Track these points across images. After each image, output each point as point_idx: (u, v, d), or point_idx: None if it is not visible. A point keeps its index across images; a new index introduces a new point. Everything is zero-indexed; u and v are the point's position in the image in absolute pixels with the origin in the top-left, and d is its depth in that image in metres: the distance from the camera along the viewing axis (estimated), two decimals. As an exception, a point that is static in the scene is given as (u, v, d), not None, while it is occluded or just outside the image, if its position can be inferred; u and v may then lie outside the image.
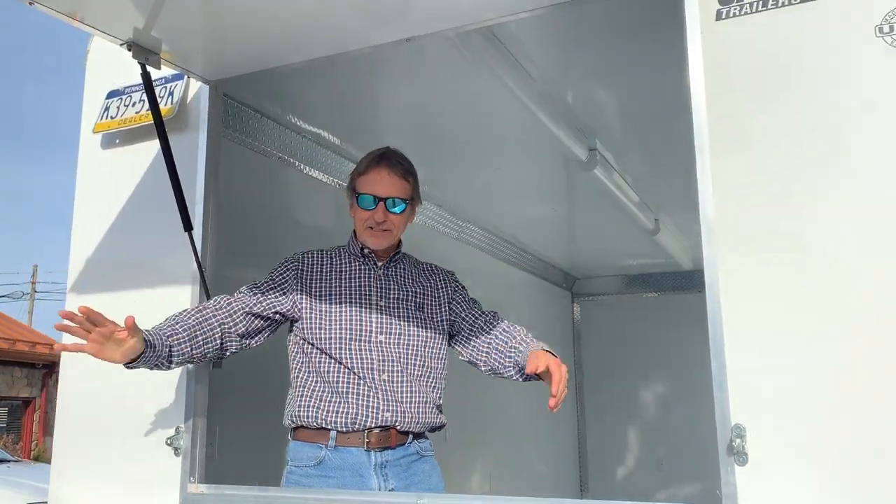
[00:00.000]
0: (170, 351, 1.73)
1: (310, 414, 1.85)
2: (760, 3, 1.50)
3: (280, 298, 1.89)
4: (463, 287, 2.08)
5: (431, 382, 1.94)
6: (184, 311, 1.82)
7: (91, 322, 1.61)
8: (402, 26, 1.88)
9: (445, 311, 2.00)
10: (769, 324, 1.40)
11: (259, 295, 1.88)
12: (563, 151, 2.95)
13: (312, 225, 2.77)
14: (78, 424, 2.12)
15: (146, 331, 1.70)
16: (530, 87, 2.45)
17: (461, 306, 2.01)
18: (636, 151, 3.25)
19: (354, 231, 1.99)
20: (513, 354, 1.89)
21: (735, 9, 1.52)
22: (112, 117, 2.21)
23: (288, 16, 1.82)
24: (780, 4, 1.48)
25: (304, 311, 1.89)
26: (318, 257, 1.97)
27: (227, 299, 1.87)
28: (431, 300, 2.00)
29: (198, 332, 1.78)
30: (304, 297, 1.90)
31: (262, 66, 2.05)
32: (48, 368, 14.80)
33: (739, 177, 1.49)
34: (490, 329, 1.96)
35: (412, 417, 1.88)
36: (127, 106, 2.19)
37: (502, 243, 4.37)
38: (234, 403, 2.22)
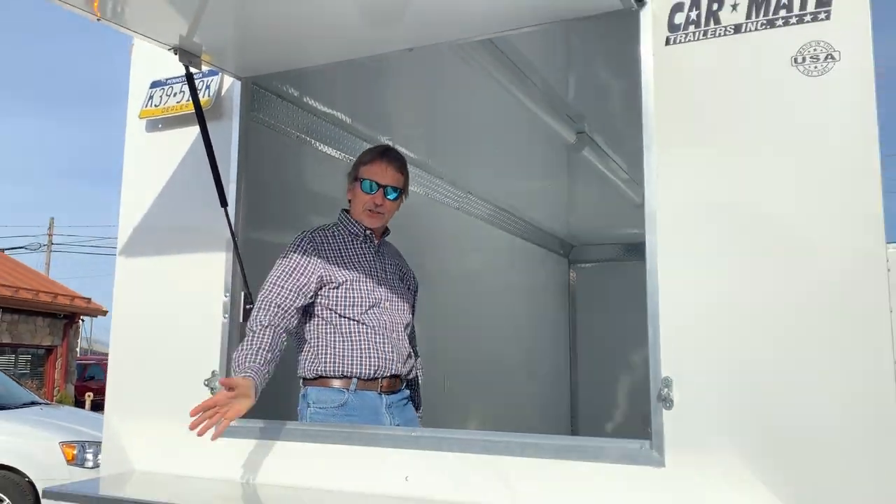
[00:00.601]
0: (267, 373, 2.11)
1: (335, 366, 2.26)
2: (701, 33, 1.81)
3: (310, 283, 2.27)
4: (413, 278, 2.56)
5: (408, 335, 2.42)
6: (258, 333, 2.16)
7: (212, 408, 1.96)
8: (410, 37, 2.20)
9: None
10: (691, 299, 1.74)
11: (295, 289, 2.25)
12: (552, 135, 3.27)
13: (326, 195, 3.13)
14: (128, 370, 2.50)
15: (249, 374, 2.05)
16: (522, 81, 2.77)
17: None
18: (622, 135, 3.56)
19: (346, 212, 2.40)
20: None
21: (681, 37, 1.84)
22: (156, 105, 2.54)
23: (307, 27, 2.14)
24: (716, 35, 1.80)
25: (325, 286, 2.28)
26: (324, 237, 2.35)
27: (278, 304, 2.21)
28: (404, 274, 2.49)
29: (276, 347, 2.17)
30: (324, 274, 2.29)
31: (285, 67, 2.39)
32: (69, 319, 15.37)
33: (678, 172, 1.82)
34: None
35: (408, 368, 2.37)
36: (168, 96, 2.53)
37: (502, 213, 4.70)
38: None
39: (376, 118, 3.31)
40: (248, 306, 2.35)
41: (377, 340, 2.29)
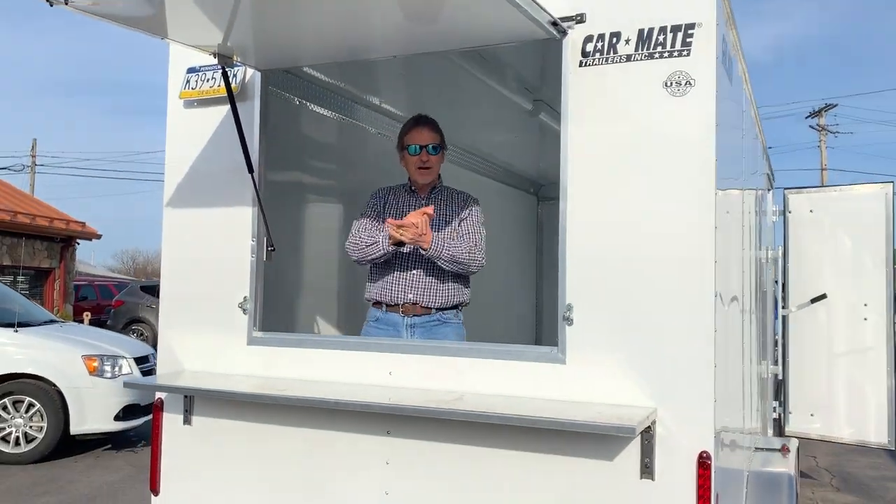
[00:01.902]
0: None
1: (373, 293, 3.16)
2: (603, 59, 2.51)
3: (381, 224, 3.11)
4: (476, 215, 3.23)
5: (447, 273, 3.13)
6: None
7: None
8: (393, 50, 2.87)
9: (455, 221, 3.20)
10: (585, 253, 2.51)
11: (371, 227, 3.17)
12: (510, 103, 3.97)
13: (337, 158, 3.85)
14: (178, 297, 3.24)
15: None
16: (483, 65, 3.46)
17: (462, 227, 3.20)
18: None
19: (409, 175, 3.24)
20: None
21: (590, 61, 2.54)
22: (192, 88, 3.21)
23: (311, 37, 2.80)
24: (613, 62, 2.50)
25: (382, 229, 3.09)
26: (387, 193, 3.25)
27: (355, 242, 3.16)
28: (449, 214, 3.21)
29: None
30: (381, 220, 3.14)
31: (292, 64, 3.07)
32: (65, 242, 16.02)
33: (584, 151, 2.55)
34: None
35: (426, 297, 3.14)
36: (202, 81, 3.19)
37: (478, 160, 5.42)
38: (282, 293, 3.36)
39: (366, 85, 4.00)
40: (269, 248, 3.11)
41: (396, 275, 3.13)
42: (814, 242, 6.11)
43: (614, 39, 2.51)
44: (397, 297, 3.15)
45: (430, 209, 2.97)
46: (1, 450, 6.86)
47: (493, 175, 5.65)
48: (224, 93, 3.04)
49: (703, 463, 2.31)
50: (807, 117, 34.12)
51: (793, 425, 6.02)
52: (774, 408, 5.89)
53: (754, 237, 4.80)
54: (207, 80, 3.19)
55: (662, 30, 2.44)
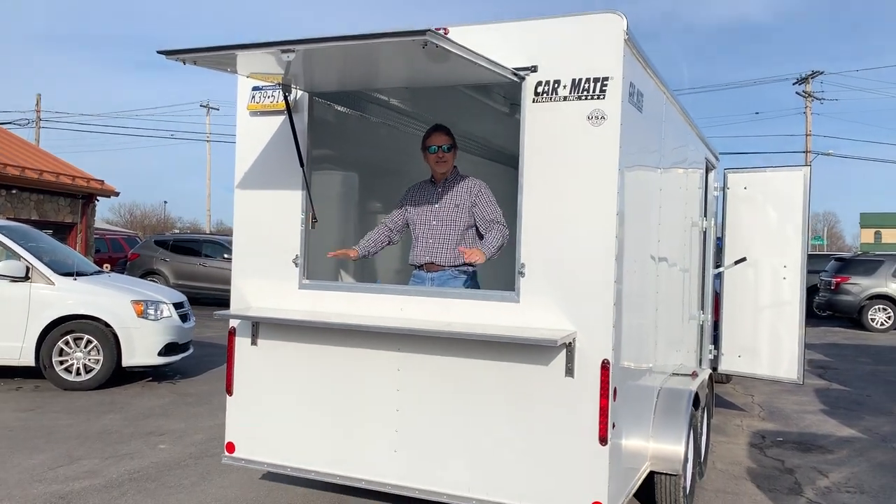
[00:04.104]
0: (368, 249, 4.48)
1: (411, 257, 4.50)
2: (548, 98, 3.71)
3: (402, 215, 4.50)
4: (486, 195, 4.47)
5: (455, 241, 4.42)
6: (374, 230, 4.65)
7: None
8: (401, 81, 4.07)
9: (469, 205, 4.44)
10: (533, 228, 3.74)
11: (396, 216, 4.58)
12: (494, 106, 5.17)
13: (370, 156, 5.05)
14: (247, 254, 4.47)
15: (361, 245, 4.56)
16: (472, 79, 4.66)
17: (477, 209, 4.45)
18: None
19: (430, 167, 4.55)
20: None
21: (540, 99, 3.73)
22: (256, 102, 4.40)
23: (346, 74, 3.99)
24: (554, 100, 3.70)
25: (409, 216, 4.47)
26: (414, 189, 4.57)
27: (388, 222, 4.57)
28: (460, 198, 4.45)
29: (380, 242, 4.57)
30: (407, 211, 4.51)
31: (333, 89, 4.27)
32: (86, 199, 17.16)
33: (534, 168, 3.76)
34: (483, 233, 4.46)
35: (440, 258, 4.43)
36: (264, 97, 4.38)
37: (469, 142, 6.62)
38: (324, 252, 4.59)
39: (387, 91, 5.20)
40: (313, 220, 4.33)
41: (420, 245, 4.47)
42: (747, 214, 7.38)
43: (556, 85, 3.71)
44: (421, 260, 4.49)
45: (473, 256, 4.24)
46: (65, 378, 8.15)
47: (484, 154, 6.89)
48: (281, 107, 4.26)
49: (605, 367, 3.59)
50: (794, 83, 35.16)
51: (724, 364, 7.37)
52: (711, 349, 7.20)
53: (692, 209, 6.06)
54: (268, 97, 4.38)
55: (588, 80, 3.64)
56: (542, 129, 3.75)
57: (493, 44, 3.76)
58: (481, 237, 4.46)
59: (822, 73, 34.47)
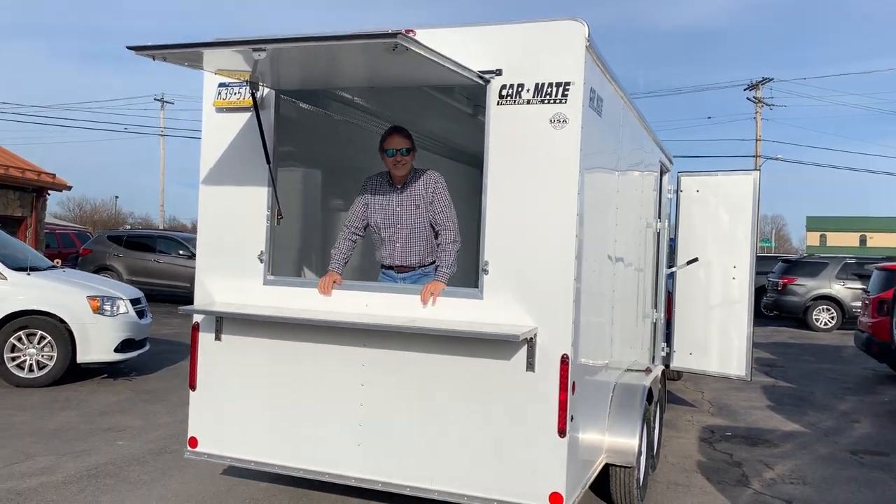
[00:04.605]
0: (345, 261, 4.44)
1: (380, 258, 4.50)
2: (512, 101, 3.82)
3: (363, 214, 4.46)
4: (440, 189, 4.45)
5: (421, 241, 4.46)
6: (340, 241, 4.50)
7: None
8: (366, 81, 4.14)
9: (427, 202, 4.43)
10: (497, 227, 3.85)
11: (358, 216, 4.50)
12: (457, 107, 5.27)
13: (333, 153, 5.10)
14: (212, 250, 4.49)
15: (336, 264, 4.42)
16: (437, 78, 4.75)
17: (433, 207, 4.43)
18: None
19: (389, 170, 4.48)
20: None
21: (503, 101, 3.84)
22: (223, 99, 4.42)
23: (312, 73, 4.05)
24: (518, 103, 3.81)
25: (369, 215, 4.43)
26: (371, 183, 4.49)
27: (351, 225, 4.50)
28: (419, 198, 4.43)
29: (351, 249, 4.50)
30: (368, 208, 4.47)
31: (299, 87, 4.31)
32: (37, 192, 16.77)
33: (498, 169, 3.87)
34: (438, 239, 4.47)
35: (409, 260, 4.45)
36: (231, 94, 4.40)
37: (429, 141, 6.71)
38: (288, 248, 4.63)
39: (352, 90, 5.25)
40: (279, 216, 4.38)
41: (387, 248, 4.47)
42: (699, 216, 7.61)
43: (520, 88, 3.82)
44: (391, 262, 4.51)
45: (436, 294, 4.04)
46: (17, 374, 8.00)
47: (444, 153, 6.98)
48: (247, 104, 4.30)
49: (564, 361, 3.72)
50: (745, 89, 36.07)
51: (676, 361, 7.60)
52: (663, 347, 7.43)
53: (647, 210, 6.25)
54: (234, 94, 4.41)
55: (550, 84, 3.76)
56: (505, 130, 3.86)
57: (459, 47, 3.85)
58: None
59: (771, 79, 35.44)
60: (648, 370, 5.60)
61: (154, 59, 3.49)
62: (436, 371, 3.96)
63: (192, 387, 4.50)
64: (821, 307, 18.22)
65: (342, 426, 4.14)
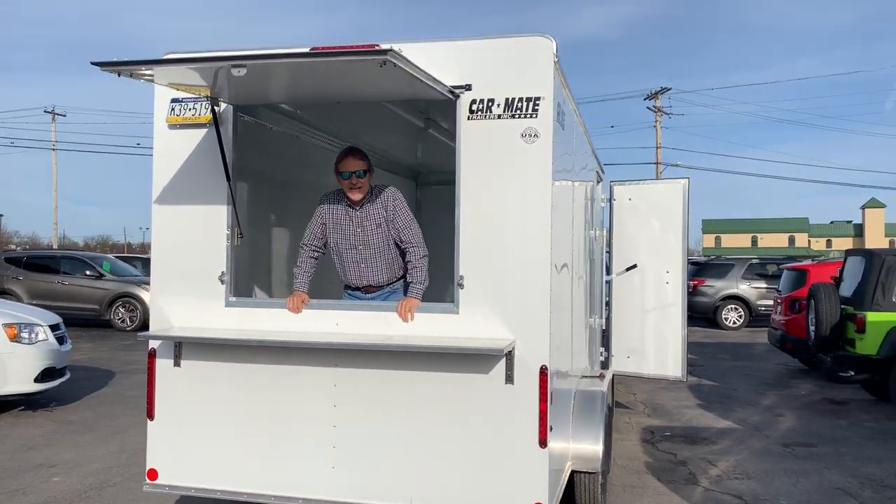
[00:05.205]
0: (309, 277, 4.32)
1: (343, 278, 4.41)
2: (483, 116, 3.83)
3: (322, 232, 4.35)
4: (400, 205, 4.36)
5: (387, 260, 4.38)
6: (302, 260, 4.39)
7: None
8: (330, 98, 4.07)
9: (385, 220, 4.33)
10: (472, 242, 3.85)
11: (317, 236, 4.38)
12: (408, 120, 5.25)
13: (289, 169, 4.97)
14: (168, 271, 4.29)
15: (301, 284, 4.31)
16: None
17: (395, 224, 4.34)
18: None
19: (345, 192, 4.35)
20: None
21: (474, 117, 3.85)
22: (177, 115, 4.24)
23: (271, 90, 3.95)
24: (489, 118, 3.83)
25: (328, 235, 4.32)
26: (328, 202, 4.36)
27: (311, 244, 4.38)
28: (379, 217, 4.33)
29: (314, 267, 4.39)
30: (327, 228, 4.36)
31: (258, 102, 4.19)
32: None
33: (470, 185, 3.88)
34: (407, 257, 4.39)
35: (376, 279, 4.38)
36: (185, 109, 4.23)
37: (372, 154, 6.64)
38: (248, 268, 4.48)
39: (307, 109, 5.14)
40: (239, 235, 4.24)
41: (353, 268, 4.38)
42: (632, 223, 7.86)
43: (490, 103, 3.85)
44: (357, 283, 4.41)
45: (412, 311, 3.96)
46: (-75, 412, 7.40)
47: (380, 164, 6.93)
48: (203, 119, 4.15)
49: (543, 372, 3.76)
50: (645, 99, 37.56)
51: (615, 365, 7.80)
52: (602, 352, 7.61)
53: (588, 220, 6.40)
54: (189, 109, 4.24)
55: (521, 99, 3.80)
56: (477, 145, 3.87)
57: (429, 62, 3.83)
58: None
59: (669, 89, 37.03)
60: (602, 375, 5.73)
61: (119, 75, 3.31)
62: (412, 388, 3.92)
63: (150, 416, 4.28)
64: (729, 307, 19.14)
65: (315, 450, 4.03)
